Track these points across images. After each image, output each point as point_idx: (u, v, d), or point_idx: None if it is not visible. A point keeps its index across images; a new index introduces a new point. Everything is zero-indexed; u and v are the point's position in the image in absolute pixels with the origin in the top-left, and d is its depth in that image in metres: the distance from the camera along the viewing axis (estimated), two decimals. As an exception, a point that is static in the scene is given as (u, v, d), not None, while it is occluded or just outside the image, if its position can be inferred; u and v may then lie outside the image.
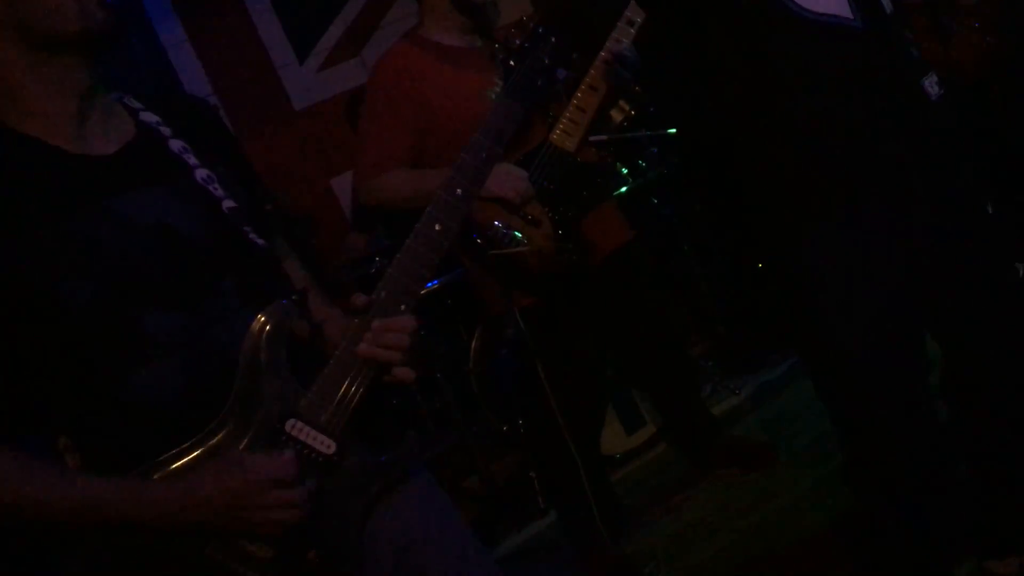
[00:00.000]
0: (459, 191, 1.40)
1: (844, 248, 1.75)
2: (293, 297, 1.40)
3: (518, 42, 1.41)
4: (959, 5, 2.59)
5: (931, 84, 1.80)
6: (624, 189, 3.87)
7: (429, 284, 3.48)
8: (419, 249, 1.39)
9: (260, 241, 1.42)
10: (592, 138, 3.26)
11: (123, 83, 1.51)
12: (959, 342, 1.86)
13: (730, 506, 2.99)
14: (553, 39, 1.41)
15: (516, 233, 2.61)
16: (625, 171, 3.96)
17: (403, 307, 1.39)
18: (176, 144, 1.42)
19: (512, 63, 1.39)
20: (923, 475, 1.85)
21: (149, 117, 1.44)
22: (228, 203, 1.41)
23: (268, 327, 1.32)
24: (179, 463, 1.29)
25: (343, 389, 1.35)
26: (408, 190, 2.65)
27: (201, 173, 1.41)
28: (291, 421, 1.32)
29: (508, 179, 2.60)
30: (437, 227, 1.39)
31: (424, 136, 2.73)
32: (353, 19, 4.84)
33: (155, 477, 1.27)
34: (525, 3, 5.00)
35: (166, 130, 1.43)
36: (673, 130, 3.93)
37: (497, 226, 2.60)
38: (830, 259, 1.76)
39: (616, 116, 4.08)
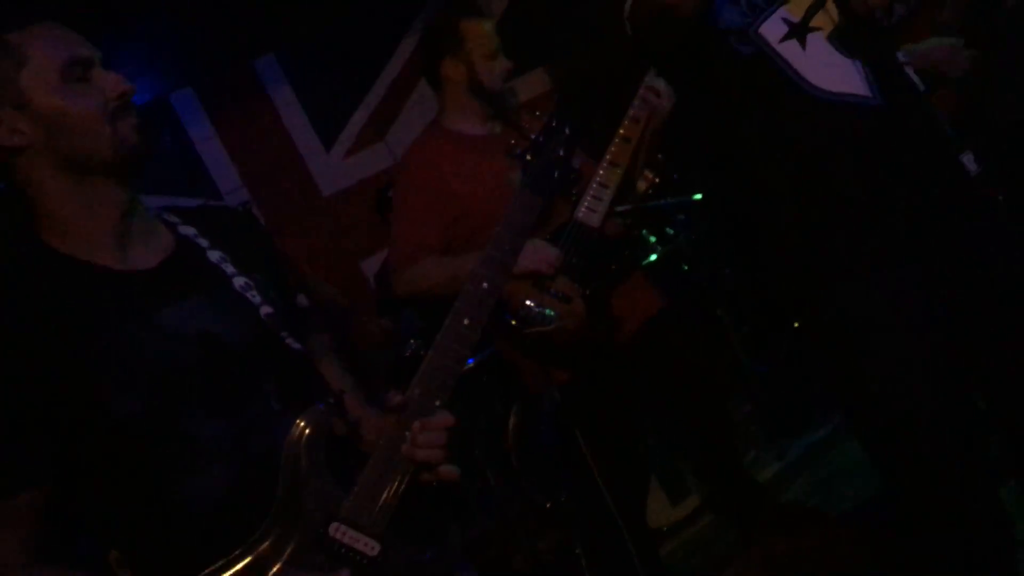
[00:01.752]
0: (485, 284, 1.42)
1: (883, 304, 1.73)
2: (330, 400, 1.42)
3: (533, 136, 1.45)
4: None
5: (969, 160, 1.78)
6: (653, 258, 3.87)
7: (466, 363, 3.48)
8: (450, 344, 1.40)
9: (297, 345, 1.46)
10: (618, 208, 3.29)
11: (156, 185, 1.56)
12: (997, 402, 1.83)
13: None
14: (567, 131, 1.44)
15: (548, 311, 2.62)
16: (653, 239, 3.97)
17: (438, 403, 1.40)
18: (214, 255, 1.47)
19: (529, 157, 1.42)
20: (978, 536, 1.80)
21: (187, 230, 1.49)
22: (266, 309, 1.45)
23: (307, 432, 1.34)
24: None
25: (384, 490, 1.36)
26: (442, 278, 2.67)
27: (239, 281, 1.45)
28: (335, 525, 1.33)
29: (538, 253, 2.62)
30: (466, 321, 1.41)
31: (454, 225, 2.76)
32: (376, 105, 4.95)
33: None
34: (542, 83, 5.12)
35: (203, 241, 1.48)
36: (699, 196, 3.94)
37: (530, 305, 2.61)
38: (869, 314, 1.74)
39: (641, 185, 4.09)
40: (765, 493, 3.30)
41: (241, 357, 1.39)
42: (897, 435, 1.79)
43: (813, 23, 1.75)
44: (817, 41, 1.75)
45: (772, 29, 1.75)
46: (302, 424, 1.35)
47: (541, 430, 3.49)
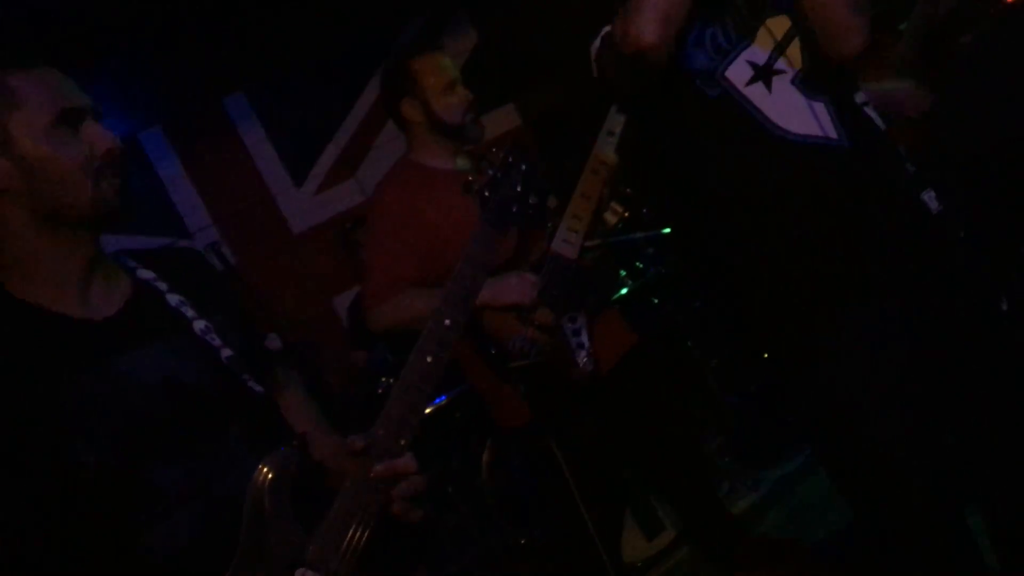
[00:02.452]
0: (447, 321, 1.41)
1: (851, 340, 1.74)
2: (294, 442, 1.41)
3: (490, 172, 1.45)
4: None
5: (931, 198, 1.81)
6: (624, 291, 3.88)
7: (436, 400, 3.47)
8: (414, 382, 1.40)
9: (259, 388, 1.45)
10: (587, 243, 3.30)
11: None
12: (965, 436, 1.84)
13: (758, 609, 2.91)
14: (524, 166, 1.45)
15: (532, 343, 2.63)
16: (624, 273, 3.98)
17: (403, 442, 1.39)
18: (174, 298, 1.46)
19: (486, 193, 1.43)
20: (947, 565, 1.81)
21: (145, 274, 1.48)
22: (226, 352, 1.44)
23: (270, 477, 1.33)
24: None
25: (349, 534, 1.34)
26: (418, 313, 2.66)
27: (199, 325, 1.44)
28: (301, 570, 1.32)
29: (519, 285, 2.62)
30: (429, 359, 1.41)
31: (429, 257, 2.76)
32: (346, 142, 4.95)
33: None
34: (512, 119, 5.15)
35: (162, 285, 1.47)
36: (668, 230, 3.96)
37: (513, 338, 2.61)
38: (837, 350, 1.75)
39: (610, 219, 4.11)
40: (740, 525, 3.29)
41: (203, 401, 1.38)
42: (865, 467, 1.80)
43: (778, 66, 1.78)
44: (783, 83, 1.78)
45: (738, 72, 1.78)
46: (265, 469, 1.33)
47: (516, 465, 3.48)
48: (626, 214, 4.16)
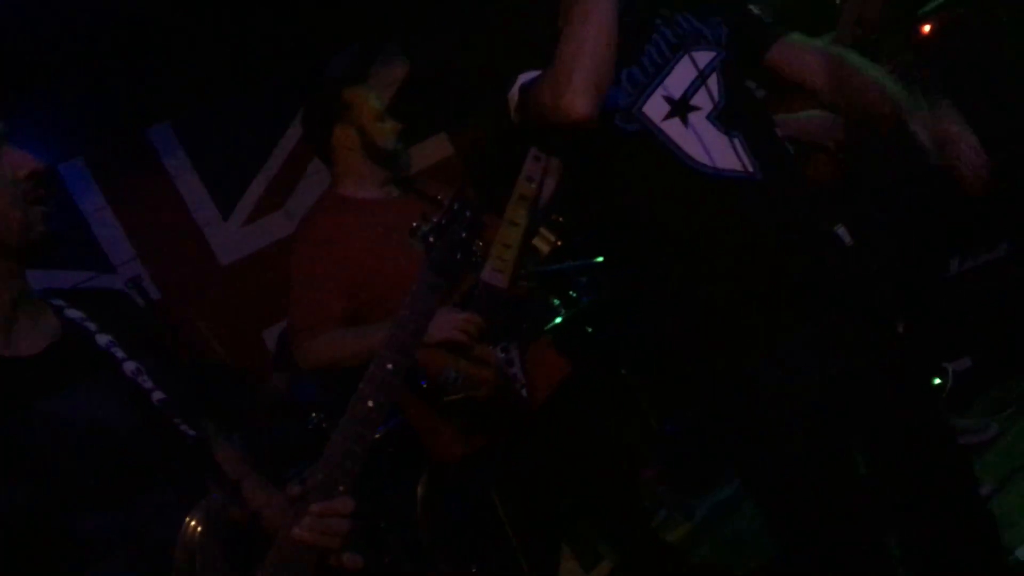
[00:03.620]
0: (390, 366, 1.40)
1: (770, 371, 1.78)
2: (227, 489, 1.37)
3: (436, 218, 1.46)
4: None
5: (843, 232, 1.87)
6: (558, 320, 3.88)
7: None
8: (353, 428, 1.38)
9: (192, 432, 1.41)
10: (520, 272, 3.30)
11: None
12: (874, 455, 1.88)
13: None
14: (468, 213, 1.46)
15: (465, 377, 2.61)
16: (557, 302, 3.99)
17: (341, 488, 1.36)
18: (103, 339, 1.42)
19: (431, 239, 1.43)
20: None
21: (74, 313, 1.43)
22: (158, 395, 1.40)
23: (200, 527, 1.29)
24: None
25: (286, 581, 1.30)
26: (348, 350, 2.62)
27: (129, 366, 1.41)
28: (234, 622, 1.27)
29: (451, 322, 2.60)
30: (370, 403, 1.39)
31: (357, 290, 2.73)
32: (275, 173, 4.89)
33: None
34: (443, 149, 5.15)
35: (92, 325, 1.43)
36: (600, 258, 3.98)
37: (446, 371, 2.59)
38: (759, 380, 1.78)
39: (542, 247, 4.12)
40: (675, 553, 3.30)
41: (131, 446, 1.34)
42: (785, 492, 1.83)
43: (693, 101, 1.82)
44: (698, 118, 1.82)
45: (655, 108, 1.81)
46: (196, 517, 1.30)
47: (451, 500, 3.44)
48: (558, 242, 4.18)
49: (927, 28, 3.44)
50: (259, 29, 4.41)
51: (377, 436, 3.47)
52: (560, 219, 3.94)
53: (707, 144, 1.79)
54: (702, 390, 1.90)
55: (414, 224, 1.45)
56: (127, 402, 1.36)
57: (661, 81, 1.83)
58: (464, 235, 1.45)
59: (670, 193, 1.79)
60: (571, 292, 4.05)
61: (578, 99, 1.67)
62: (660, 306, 1.86)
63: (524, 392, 2.69)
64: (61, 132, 4.36)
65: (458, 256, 1.44)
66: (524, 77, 1.86)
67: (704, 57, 1.87)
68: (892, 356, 1.86)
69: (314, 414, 3.57)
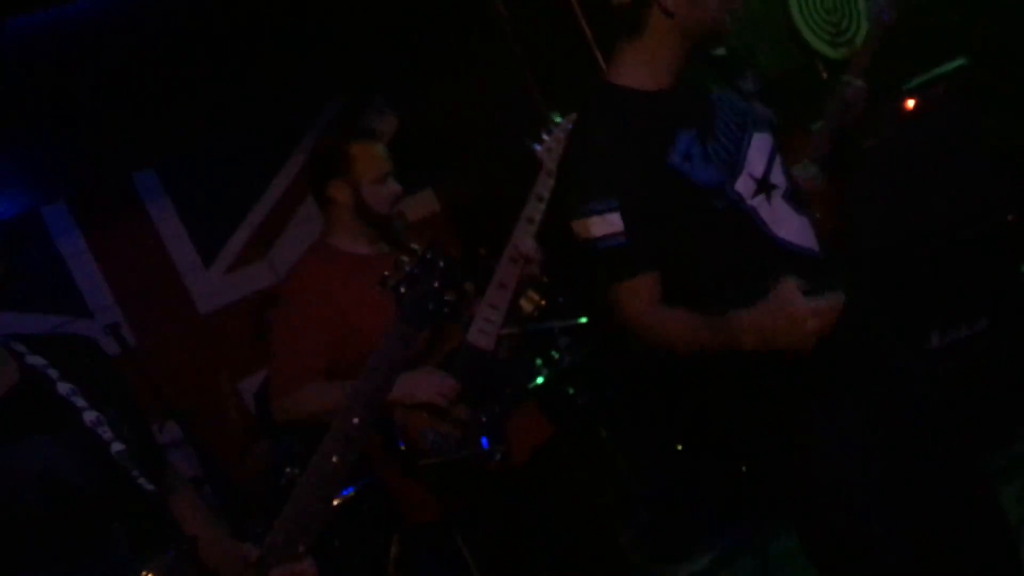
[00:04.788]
0: (356, 420, 1.36)
1: (828, 434, 1.83)
2: (183, 546, 1.32)
3: (407, 269, 1.43)
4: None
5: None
6: (540, 380, 3.85)
7: (343, 492, 3.35)
8: (316, 484, 1.34)
9: (149, 486, 1.37)
10: (503, 331, 3.27)
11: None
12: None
13: None
14: (441, 263, 1.43)
15: (445, 440, 2.56)
16: (539, 362, 3.95)
17: (301, 548, 1.31)
18: (64, 387, 1.39)
19: (403, 290, 1.40)
20: None
21: (35, 360, 1.40)
22: (117, 447, 1.37)
23: (155, 585, 1.23)
24: None
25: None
26: (326, 406, 2.57)
27: (90, 416, 1.37)
28: None
29: (433, 384, 2.56)
30: (334, 459, 1.35)
31: (341, 345, 2.68)
32: (260, 222, 4.87)
33: None
34: (430, 204, 5.15)
35: (53, 373, 1.40)
36: (584, 319, 3.96)
37: (425, 433, 2.55)
38: (815, 445, 1.84)
39: (526, 307, 4.10)
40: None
41: (87, 499, 1.31)
42: (849, 555, 1.85)
43: (772, 180, 1.92)
44: (777, 197, 1.92)
45: (744, 186, 1.89)
46: (150, 574, 1.24)
47: (424, 561, 3.37)
48: (542, 302, 4.16)
49: (911, 103, 3.48)
50: (249, 79, 4.43)
51: (351, 494, 3.43)
52: (546, 279, 3.93)
53: (788, 222, 1.90)
54: (765, 451, 1.92)
55: (385, 274, 1.43)
56: (84, 453, 1.33)
57: (745, 159, 1.90)
58: (436, 285, 1.43)
59: (757, 267, 1.84)
60: (553, 352, 4.02)
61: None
62: (700, 371, 1.91)
63: (503, 457, 2.64)
64: (45, 175, 4.36)
65: (430, 307, 1.41)
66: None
67: (767, 139, 1.97)
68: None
69: (288, 468, 3.51)
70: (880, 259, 3.33)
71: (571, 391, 4.06)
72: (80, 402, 1.37)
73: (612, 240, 1.84)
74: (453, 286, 1.45)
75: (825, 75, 4.04)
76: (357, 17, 4.41)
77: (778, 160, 1.97)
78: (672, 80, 1.93)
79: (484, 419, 2.63)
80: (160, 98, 4.23)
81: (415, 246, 1.51)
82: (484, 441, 2.64)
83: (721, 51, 2.81)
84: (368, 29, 4.54)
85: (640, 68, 1.92)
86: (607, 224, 1.84)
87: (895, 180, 3.45)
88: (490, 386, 2.67)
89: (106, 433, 1.36)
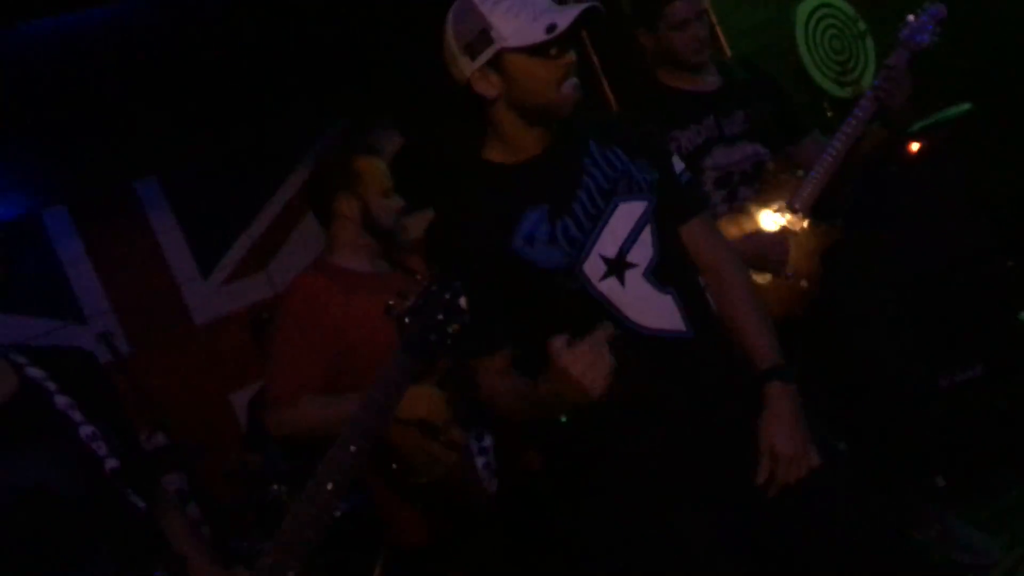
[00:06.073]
0: (353, 448, 1.36)
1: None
2: (172, 566, 1.31)
3: (413, 299, 1.43)
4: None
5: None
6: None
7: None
8: (309, 511, 1.33)
9: (141, 504, 1.38)
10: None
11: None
12: None
13: None
14: (447, 295, 1.42)
15: (437, 461, 2.56)
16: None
17: (291, 573, 1.30)
18: (62, 400, 1.39)
19: (406, 320, 1.40)
20: None
21: (35, 372, 1.40)
22: (111, 463, 1.37)
23: (140, 605, 1.22)
24: None
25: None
26: (322, 421, 2.56)
27: (86, 430, 1.37)
28: None
29: (429, 401, 2.56)
30: (329, 487, 1.34)
31: (339, 360, 2.68)
32: (260, 235, 4.87)
33: None
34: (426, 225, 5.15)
35: (52, 385, 1.40)
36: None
37: (417, 453, 2.54)
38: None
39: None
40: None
41: (76, 514, 1.30)
42: None
43: (629, 258, 1.81)
44: (634, 277, 1.81)
45: (593, 267, 1.80)
46: (136, 594, 1.24)
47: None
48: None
49: (915, 147, 3.50)
50: (257, 94, 4.45)
51: (336, 515, 3.40)
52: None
53: (643, 304, 1.80)
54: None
55: (389, 303, 1.42)
56: (78, 467, 1.33)
57: (598, 237, 1.81)
58: (440, 317, 1.42)
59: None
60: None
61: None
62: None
63: (495, 483, 2.63)
64: (47, 178, 4.36)
65: (432, 338, 1.41)
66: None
67: (637, 208, 1.85)
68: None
69: (275, 486, 3.48)
70: (882, 301, 3.34)
71: (563, 420, 4.04)
72: (77, 416, 1.37)
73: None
74: (457, 319, 1.44)
75: (830, 114, 4.06)
76: (366, 40, 4.44)
77: (648, 230, 1.84)
78: (535, 150, 1.86)
79: (476, 443, 2.62)
80: (166, 108, 4.24)
81: (421, 277, 1.51)
82: (477, 464, 2.64)
83: (715, 86, 2.84)
84: (377, 51, 4.57)
85: (498, 143, 1.88)
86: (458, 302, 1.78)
87: (895, 223, 3.46)
88: (483, 409, 2.66)
89: (101, 448, 1.36)
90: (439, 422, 2.54)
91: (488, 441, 2.68)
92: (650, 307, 1.80)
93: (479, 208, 1.83)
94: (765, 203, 2.80)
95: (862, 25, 4.27)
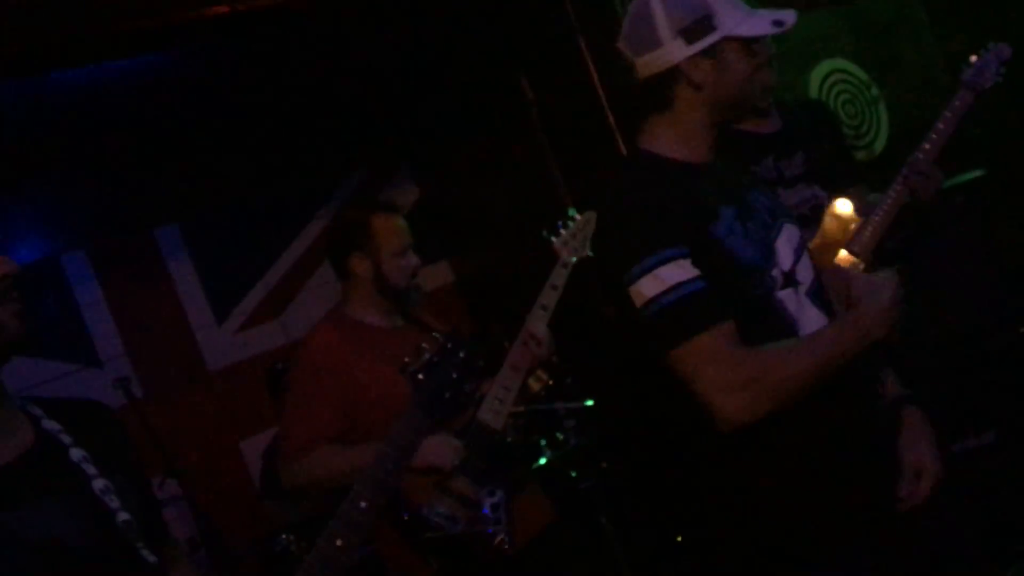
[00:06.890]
0: (363, 504, 1.36)
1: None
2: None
3: (428, 356, 1.43)
4: None
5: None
6: (543, 461, 3.82)
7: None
8: (320, 569, 1.32)
9: (152, 558, 1.37)
10: (510, 409, 3.27)
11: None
12: None
13: None
14: (462, 354, 1.43)
15: (448, 515, 2.55)
16: (544, 443, 3.93)
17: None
18: (76, 453, 1.39)
19: (421, 377, 1.40)
20: None
21: (51, 425, 1.41)
22: (123, 516, 1.37)
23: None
24: None
25: None
26: (334, 473, 2.57)
27: (99, 484, 1.38)
28: None
29: (442, 448, 2.56)
30: (339, 543, 1.34)
31: (352, 412, 2.70)
32: (275, 283, 4.90)
33: None
34: (445, 275, 5.19)
35: (67, 438, 1.40)
36: (590, 402, 3.94)
37: (429, 506, 2.54)
38: None
39: (534, 385, 4.09)
40: None
41: (88, 567, 1.30)
42: None
43: (797, 276, 1.83)
44: (802, 293, 1.83)
45: (776, 275, 1.80)
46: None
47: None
48: (550, 382, 4.15)
49: (928, 211, 3.50)
50: (275, 144, 4.50)
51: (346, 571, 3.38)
52: (556, 359, 3.93)
53: (812, 324, 1.79)
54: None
55: (405, 360, 1.43)
56: (91, 521, 1.33)
57: (775, 249, 1.81)
58: (455, 376, 1.43)
59: None
60: (558, 434, 3.99)
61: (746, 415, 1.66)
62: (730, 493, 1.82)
63: (507, 539, 2.62)
64: (67, 223, 4.40)
65: (447, 396, 1.41)
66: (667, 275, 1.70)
67: (794, 232, 1.88)
68: None
69: (284, 535, 3.47)
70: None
71: (574, 474, 4.03)
72: (91, 469, 1.38)
73: (684, 288, 1.66)
74: (472, 377, 1.45)
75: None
76: (384, 90, 4.50)
77: (805, 255, 1.87)
78: (707, 155, 1.85)
79: (488, 499, 2.62)
80: (189, 157, 4.30)
81: (436, 334, 1.51)
82: (489, 520, 2.63)
83: (775, 127, 2.85)
84: (396, 103, 4.63)
85: (674, 140, 1.84)
86: (679, 270, 1.67)
87: (908, 288, 3.46)
88: (496, 467, 2.66)
89: (113, 502, 1.36)
90: (446, 468, 2.55)
91: (500, 497, 2.67)
92: (812, 321, 1.80)
93: (671, 189, 1.75)
94: (824, 247, 2.79)
95: (875, 91, 4.30)
